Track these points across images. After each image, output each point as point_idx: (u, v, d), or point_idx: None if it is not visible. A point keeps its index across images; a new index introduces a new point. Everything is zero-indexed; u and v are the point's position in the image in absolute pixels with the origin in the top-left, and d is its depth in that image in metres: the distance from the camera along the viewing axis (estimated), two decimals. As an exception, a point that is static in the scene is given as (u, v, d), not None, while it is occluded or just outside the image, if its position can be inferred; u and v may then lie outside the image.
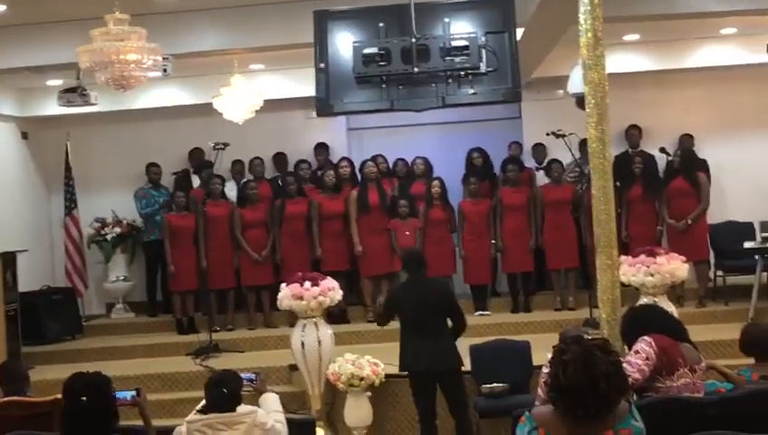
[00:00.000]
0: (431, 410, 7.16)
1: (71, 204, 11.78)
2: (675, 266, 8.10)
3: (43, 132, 12.21)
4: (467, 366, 7.56)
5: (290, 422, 5.35)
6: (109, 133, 12.21)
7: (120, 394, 4.78)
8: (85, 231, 11.85)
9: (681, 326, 5.58)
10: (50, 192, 12.38)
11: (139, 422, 5.02)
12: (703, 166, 10.88)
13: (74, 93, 9.86)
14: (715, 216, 10.74)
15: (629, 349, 5.47)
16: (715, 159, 11.31)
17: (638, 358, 5.24)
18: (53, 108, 10.53)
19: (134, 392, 5.03)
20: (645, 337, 5.32)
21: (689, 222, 10.23)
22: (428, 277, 7.54)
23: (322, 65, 6.91)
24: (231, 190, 11.36)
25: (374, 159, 11.24)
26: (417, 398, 7.20)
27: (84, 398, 4.42)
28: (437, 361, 7.00)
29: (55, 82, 10.49)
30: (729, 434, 4.38)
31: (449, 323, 7.19)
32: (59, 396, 4.72)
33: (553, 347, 3.54)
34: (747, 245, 9.67)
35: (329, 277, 8.38)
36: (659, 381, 5.26)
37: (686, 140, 11.35)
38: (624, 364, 5.09)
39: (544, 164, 11.33)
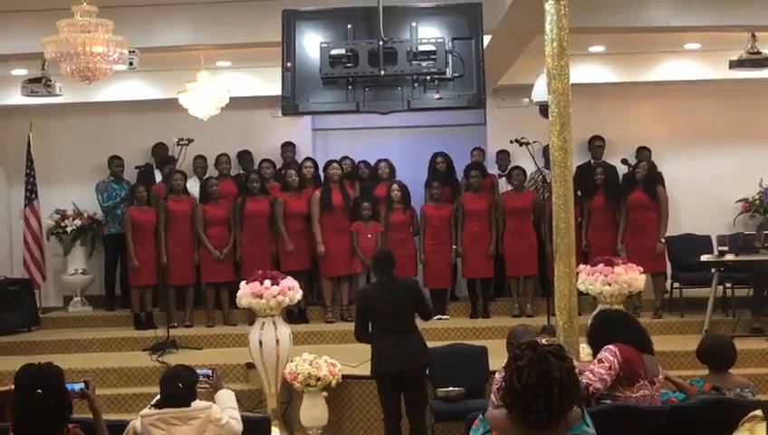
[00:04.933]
0: (398, 410, 7.18)
1: (31, 195, 11.67)
2: (632, 277, 8.21)
3: (6, 122, 12.09)
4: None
5: (245, 420, 5.35)
6: (72, 125, 12.11)
7: (68, 386, 4.75)
8: (45, 222, 11.74)
9: (647, 337, 5.65)
10: (10, 182, 12.26)
11: (89, 415, 5.00)
12: (661, 179, 10.98)
13: (39, 84, 9.78)
14: (672, 229, 10.85)
15: (594, 353, 5.54)
16: (676, 172, 11.42)
17: (601, 367, 5.29)
18: (17, 97, 10.43)
19: (82, 385, 5.00)
20: (610, 346, 5.37)
21: (663, 241, 10.38)
22: (398, 277, 7.57)
23: (289, 64, 6.91)
24: (193, 186, 11.32)
25: (341, 160, 11.26)
26: (386, 397, 7.20)
27: (39, 390, 4.39)
28: (410, 360, 7.04)
29: (20, 72, 10.39)
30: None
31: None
32: (13, 387, 4.68)
33: (508, 351, 3.58)
34: (704, 258, 9.79)
35: (289, 277, 8.39)
36: (619, 391, 5.32)
37: (645, 153, 11.44)
38: (587, 372, 5.19)
39: (507, 171, 11.39)
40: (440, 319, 10.45)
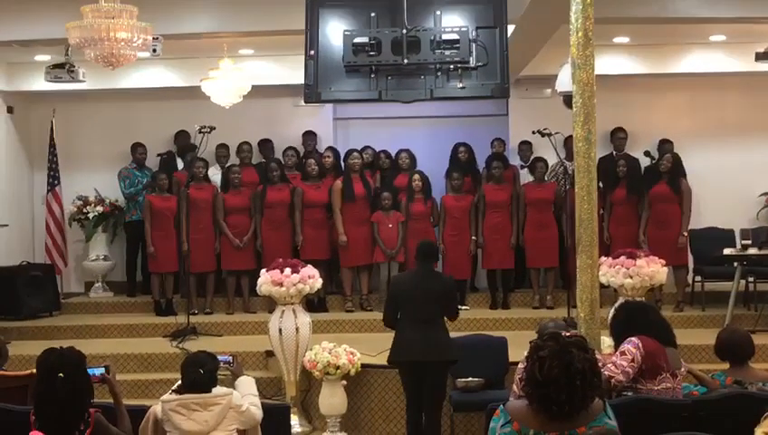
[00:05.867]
0: (420, 397, 7.15)
1: (53, 180, 11.73)
2: (654, 270, 8.16)
3: (29, 107, 12.16)
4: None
5: (265, 408, 5.36)
6: (95, 111, 12.16)
7: (88, 371, 4.76)
8: (67, 208, 11.81)
9: (670, 330, 5.63)
10: (33, 168, 12.32)
11: (109, 400, 5.01)
12: (683, 172, 10.91)
13: (62, 69, 9.80)
14: (695, 222, 10.78)
15: (617, 345, 5.51)
16: (699, 165, 11.33)
17: (623, 359, 5.28)
18: (40, 83, 10.48)
19: (103, 369, 5.01)
20: (633, 338, 5.36)
21: (685, 234, 10.35)
22: (437, 271, 7.52)
23: (312, 52, 6.91)
24: (215, 174, 11.34)
25: (362, 150, 11.25)
26: (406, 383, 7.17)
27: (61, 374, 4.40)
28: (428, 353, 6.94)
29: (43, 58, 10.43)
30: (700, 436, 4.43)
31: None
32: (35, 371, 4.70)
33: (530, 343, 3.56)
34: (727, 251, 9.73)
35: (309, 265, 8.39)
36: (641, 384, 5.32)
37: (667, 146, 11.37)
38: (609, 364, 5.17)
39: (529, 162, 11.35)
40: (459, 309, 10.38)
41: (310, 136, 11.83)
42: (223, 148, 11.56)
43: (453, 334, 7.89)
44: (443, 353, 7.05)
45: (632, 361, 5.25)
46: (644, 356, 5.27)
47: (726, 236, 10.55)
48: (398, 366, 7.23)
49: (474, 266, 11.17)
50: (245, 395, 5.23)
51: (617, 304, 7.08)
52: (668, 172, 10.42)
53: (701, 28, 10.04)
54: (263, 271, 8.28)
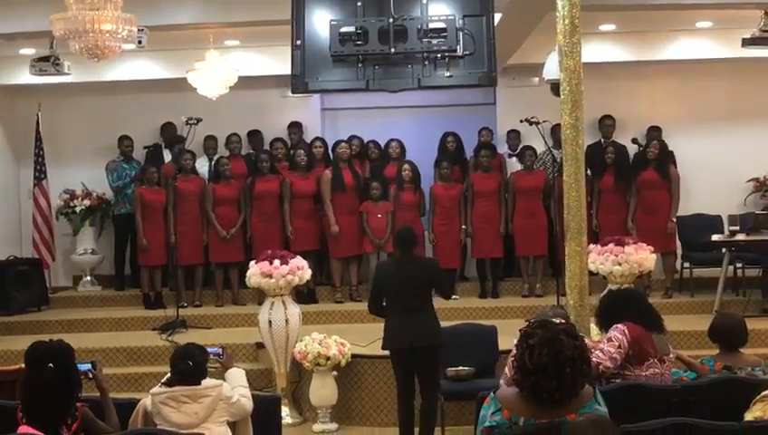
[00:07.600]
0: (411, 388, 7.14)
1: (40, 174, 11.66)
2: (642, 256, 8.19)
3: (15, 102, 12.06)
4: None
5: (255, 399, 5.36)
6: (81, 104, 12.08)
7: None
8: (54, 202, 11.75)
9: (657, 316, 5.63)
10: (19, 162, 12.24)
11: (97, 394, 4.99)
12: (673, 159, 10.94)
13: (47, 62, 9.73)
14: (683, 208, 10.79)
15: (604, 331, 5.52)
16: (686, 151, 11.35)
17: (610, 346, 5.29)
18: (25, 77, 10.40)
19: (89, 365, 4.99)
20: (619, 325, 5.37)
21: (674, 220, 10.37)
22: (419, 256, 7.51)
23: (299, 42, 6.89)
24: (202, 166, 11.31)
25: (349, 140, 11.23)
26: (398, 373, 7.16)
27: (50, 364, 4.38)
28: (420, 338, 6.91)
29: (28, 51, 10.35)
30: (690, 421, 4.43)
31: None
32: (23, 365, 4.68)
33: (520, 330, 3.56)
34: (715, 238, 9.75)
35: (298, 256, 8.38)
36: (628, 370, 5.33)
37: (655, 132, 11.38)
38: (596, 351, 5.18)
39: (518, 151, 11.35)
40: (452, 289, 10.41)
41: (295, 127, 11.79)
42: (211, 139, 11.51)
43: (443, 323, 7.86)
44: (431, 337, 7.01)
45: (619, 347, 5.27)
46: (630, 342, 5.29)
47: (714, 223, 10.57)
48: (391, 354, 7.21)
49: (463, 256, 11.17)
50: (235, 387, 5.23)
51: (602, 293, 7.09)
52: (656, 159, 10.43)
53: (687, 15, 10.05)
54: (252, 262, 8.28)
